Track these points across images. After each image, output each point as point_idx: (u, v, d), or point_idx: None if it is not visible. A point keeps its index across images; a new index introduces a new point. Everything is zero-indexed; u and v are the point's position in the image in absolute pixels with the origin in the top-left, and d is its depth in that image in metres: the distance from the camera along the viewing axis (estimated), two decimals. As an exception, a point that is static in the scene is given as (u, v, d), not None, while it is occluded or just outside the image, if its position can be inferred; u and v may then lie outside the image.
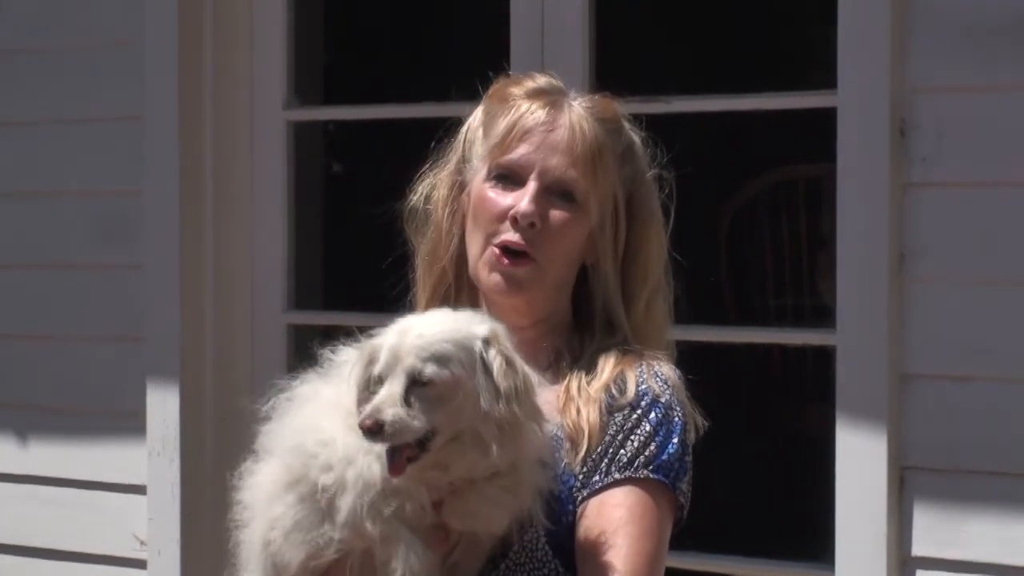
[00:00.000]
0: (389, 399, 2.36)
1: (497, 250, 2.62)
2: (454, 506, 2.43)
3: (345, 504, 2.40)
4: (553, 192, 2.63)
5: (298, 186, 4.93)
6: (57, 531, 4.98)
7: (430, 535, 2.42)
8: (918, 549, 3.87)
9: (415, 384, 2.38)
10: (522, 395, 2.43)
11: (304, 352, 2.62)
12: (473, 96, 2.82)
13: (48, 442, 5.00)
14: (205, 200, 4.82)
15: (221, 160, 4.84)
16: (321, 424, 2.47)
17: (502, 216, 2.63)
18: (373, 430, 2.34)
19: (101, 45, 4.90)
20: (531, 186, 2.62)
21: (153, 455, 4.80)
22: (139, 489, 4.84)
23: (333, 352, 2.55)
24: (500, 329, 2.46)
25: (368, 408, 2.36)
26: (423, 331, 2.41)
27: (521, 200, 2.61)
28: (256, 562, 2.53)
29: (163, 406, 4.78)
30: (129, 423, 4.84)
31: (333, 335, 2.58)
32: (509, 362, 2.42)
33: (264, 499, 2.51)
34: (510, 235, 2.62)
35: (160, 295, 4.80)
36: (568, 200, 2.63)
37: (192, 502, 4.78)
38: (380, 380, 2.39)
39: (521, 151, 2.64)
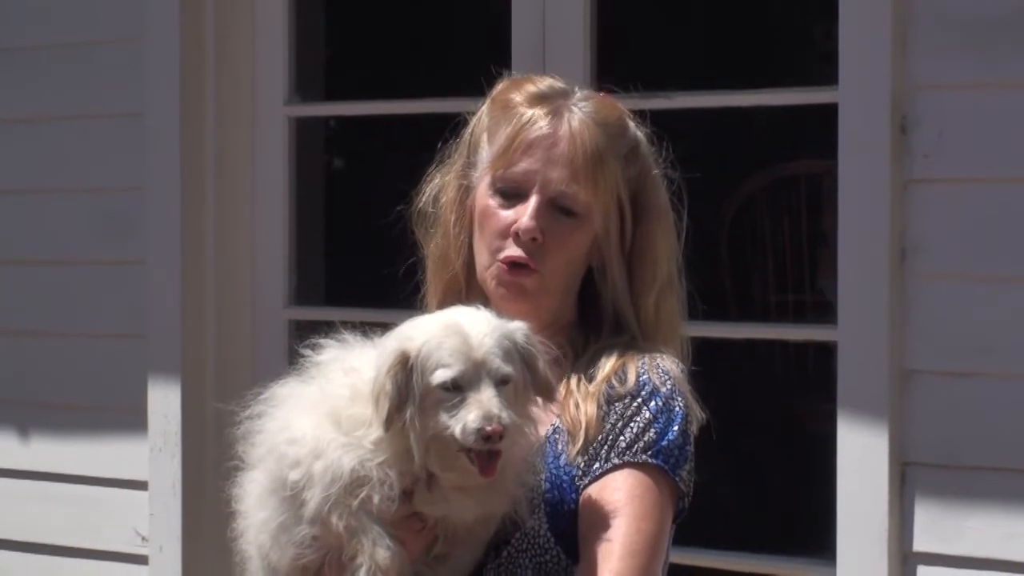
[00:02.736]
0: (494, 404, 2.39)
1: (504, 265, 2.65)
2: (425, 494, 2.44)
3: (311, 497, 2.42)
4: (555, 205, 2.65)
5: (299, 182, 4.93)
6: (59, 527, 4.98)
7: (404, 526, 2.44)
8: (919, 544, 3.87)
9: (497, 385, 2.42)
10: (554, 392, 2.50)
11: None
12: (475, 92, 2.82)
13: (50, 438, 5.00)
14: (206, 196, 4.82)
15: (222, 156, 4.84)
16: (291, 422, 2.48)
17: (505, 232, 2.66)
18: (499, 436, 2.37)
19: (103, 42, 4.89)
20: (532, 201, 2.64)
21: (154, 451, 4.80)
22: (140, 485, 4.84)
23: (314, 351, 2.55)
24: (527, 326, 2.51)
25: (477, 415, 2.38)
26: (483, 331, 2.44)
27: (522, 216, 2.64)
28: (255, 567, 2.57)
29: (164, 402, 4.78)
30: (131, 419, 4.84)
31: (333, 331, 2.58)
32: (548, 358, 2.49)
33: (253, 505, 2.55)
34: (513, 251, 2.65)
35: (161, 291, 4.80)
36: (570, 214, 2.66)
37: (193, 498, 4.78)
38: (455, 386, 2.40)
39: (523, 166, 2.65)
